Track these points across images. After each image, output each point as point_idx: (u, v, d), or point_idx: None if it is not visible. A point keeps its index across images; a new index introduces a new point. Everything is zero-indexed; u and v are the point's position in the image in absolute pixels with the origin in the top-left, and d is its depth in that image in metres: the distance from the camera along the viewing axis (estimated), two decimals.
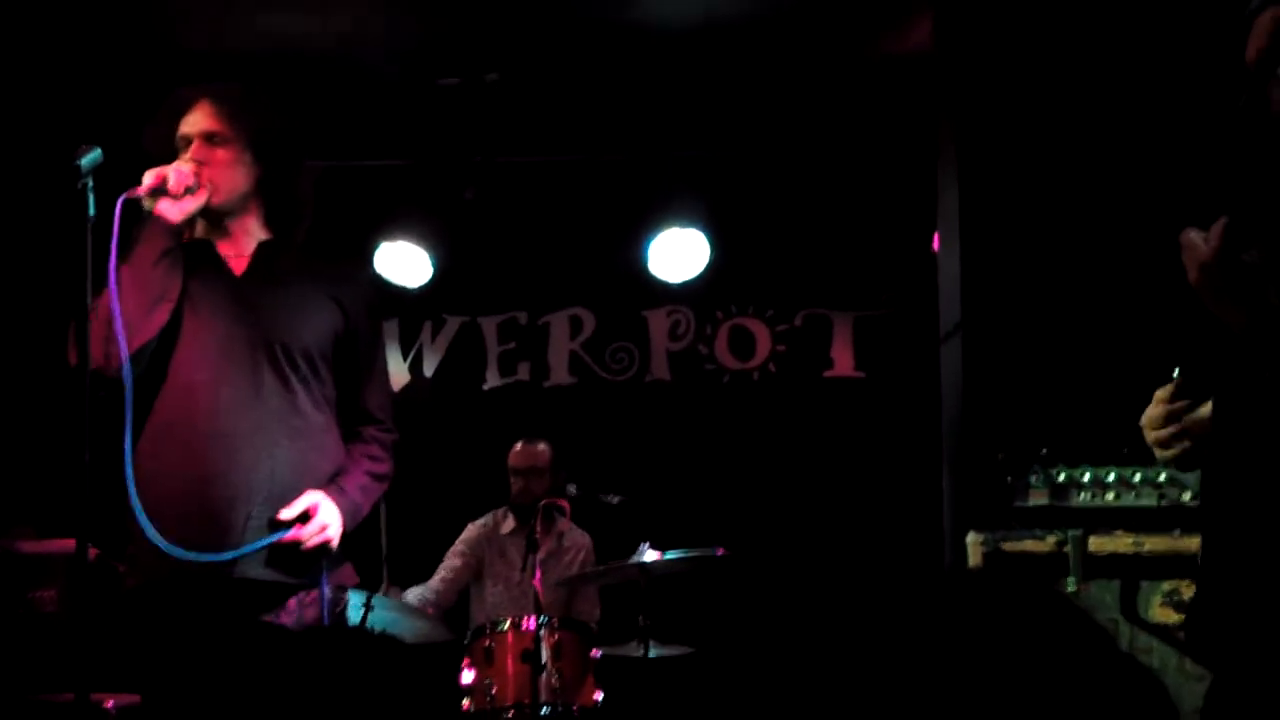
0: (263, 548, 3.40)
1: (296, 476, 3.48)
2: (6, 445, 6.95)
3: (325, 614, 3.47)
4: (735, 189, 7.34)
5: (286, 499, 3.44)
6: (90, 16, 5.94)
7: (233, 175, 3.58)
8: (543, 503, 6.34)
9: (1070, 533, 4.42)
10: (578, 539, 6.70)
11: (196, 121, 3.60)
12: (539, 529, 6.14)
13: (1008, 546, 4.53)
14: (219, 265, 3.60)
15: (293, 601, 3.46)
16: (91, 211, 3.19)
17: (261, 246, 3.66)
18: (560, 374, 7.68)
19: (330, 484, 3.53)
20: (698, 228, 7.11)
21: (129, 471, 3.25)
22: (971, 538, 4.65)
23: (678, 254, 7.16)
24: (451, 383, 7.65)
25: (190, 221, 3.56)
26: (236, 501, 3.41)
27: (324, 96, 6.44)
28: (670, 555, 5.60)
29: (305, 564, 3.46)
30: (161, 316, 3.44)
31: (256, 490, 3.43)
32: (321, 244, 3.85)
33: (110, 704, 4.10)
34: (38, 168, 4.00)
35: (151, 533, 3.25)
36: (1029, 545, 4.50)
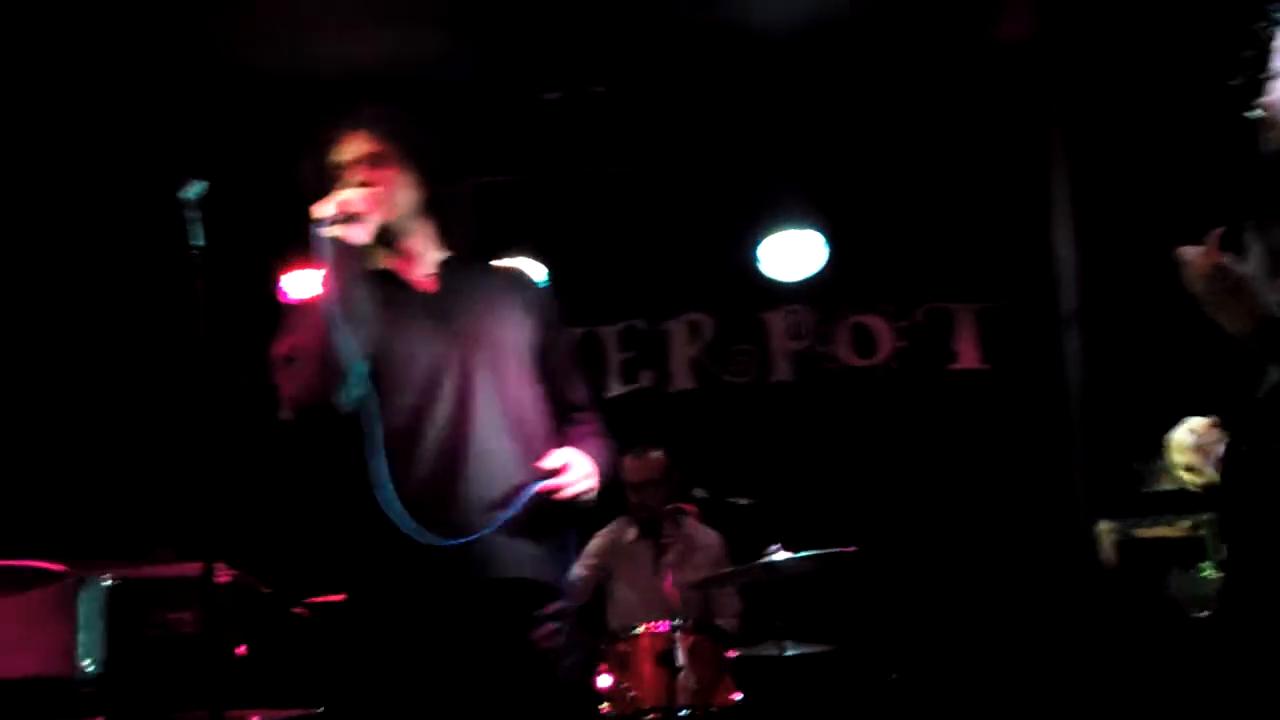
0: (519, 501, 3.41)
1: (523, 473, 3.48)
2: (148, 468, 7.15)
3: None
4: (848, 186, 7.32)
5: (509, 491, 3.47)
6: (185, 51, 6.06)
7: (399, 193, 3.64)
8: (668, 507, 6.38)
9: (1205, 516, 4.35)
10: (707, 538, 6.70)
11: (354, 147, 3.65)
12: (665, 533, 6.18)
13: (1140, 533, 4.48)
14: (408, 288, 3.66)
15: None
16: (199, 242, 3.28)
17: (443, 264, 3.71)
18: (682, 379, 7.70)
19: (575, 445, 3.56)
20: (812, 227, 7.12)
21: (384, 474, 3.34)
22: (1103, 526, 4.62)
23: (793, 254, 7.17)
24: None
25: (368, 250, 3.62)
26: (474, 501, 3.43)
27: (430, 116, 6.52)
28: (801, 555, 5.61)
29: (557, 523, 3.49)
30: (368, 336, 3.48)
31: (491, 489, 3.44)
32: None
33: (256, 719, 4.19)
34: (144, 202, 4.11)
35: (409, 523, 3.33)
36: (1162, 531, 4.45)
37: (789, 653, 5.74)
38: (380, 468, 3.35)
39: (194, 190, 3.30)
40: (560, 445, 3.59)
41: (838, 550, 5.62)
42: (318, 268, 3.42)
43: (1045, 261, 6.16)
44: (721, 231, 7.43)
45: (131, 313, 7.40)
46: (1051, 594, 6.52)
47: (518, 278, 3.81)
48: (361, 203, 3.49)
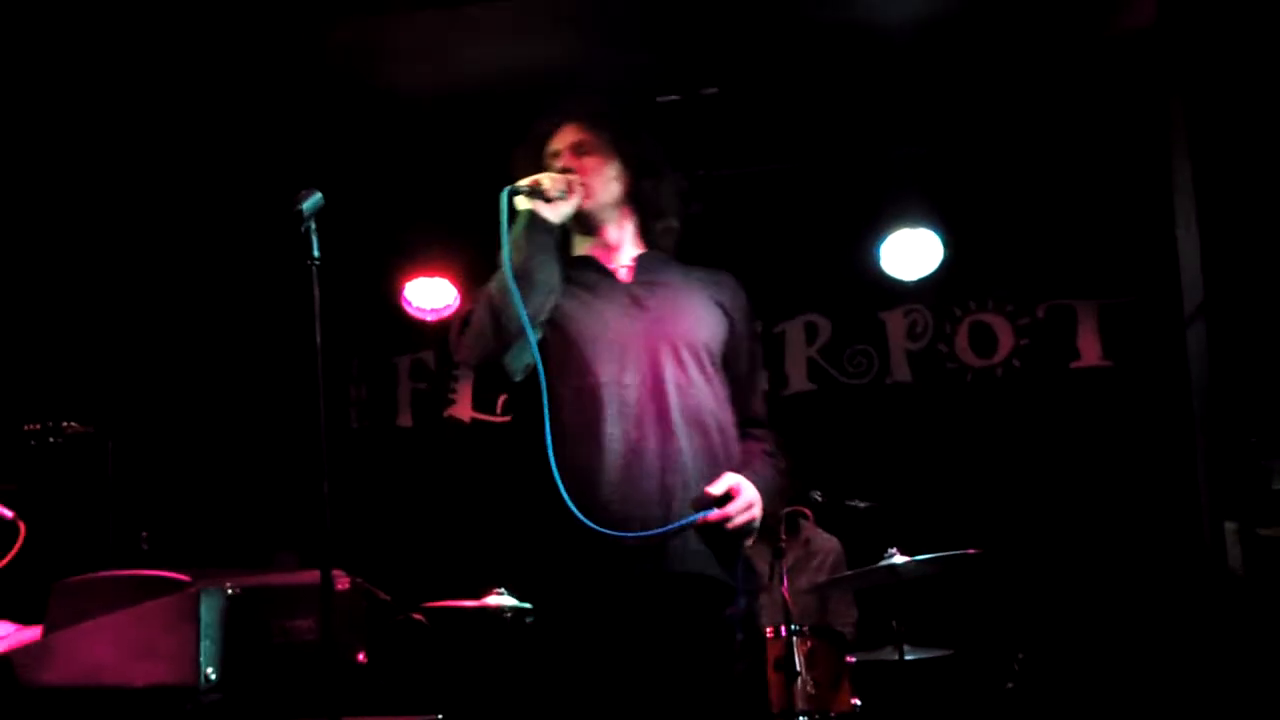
0: (689, 525, 3.43)
1: (706, 472, 3.51)
2: (269, 476, 7.28)
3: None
4: (966, 183, 7.24)
5: (699, 491, 3.49)
6: (308, 63, 6.13)
7: (602, 181, 3.72)
8: (785, 511, 6.35)
9: None
10: (825, 543, 6.67)
11: (563, 137, 3.78)
12: (783, 536, 6.15)
13: (1267, 532, 4.39)
14: (607, 274, 3.73)
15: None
16: (316, 253, 3.33)
17: (642, 256, 3.78)
18: (799, 381, 7.67)
19: (744, 469, 3.56)
20: (929, 226, 7.06)
21: (554, 467, 3.37)
22: (1229, 526, 4.52)
23: (911, 253, 7.13)
24: None
25: (568, 235, 3.75)
26: (655, 499, 3.46)
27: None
28: (920, 558, 5.56)
29: (730, 546, 3.50)
30: (547, 304, 3.57)
31: (673, 486, 3.47)
32: None
33: None
34: (263, 214, 4.18)
35: (581, 516, 3.36)
36: None
37: (908, 657, 5.70)
38: (553, 463, 3.38)
39: (311, 202, 3.35)
40: (738, 453, 3.62)
41: (958, 553, 5.56)
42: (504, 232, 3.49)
43: (1168, 256, 6.03)
44: (838, 232, 7.40)
45: (252, 323, 7.53)
46: (1175, 596, 6.40)
47: (716, 279, 3.82)
48: (560, 185, 3.60)
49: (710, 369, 3.63)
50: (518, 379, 3.53)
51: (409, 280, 7.55)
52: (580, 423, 3.54)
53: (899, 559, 5.55)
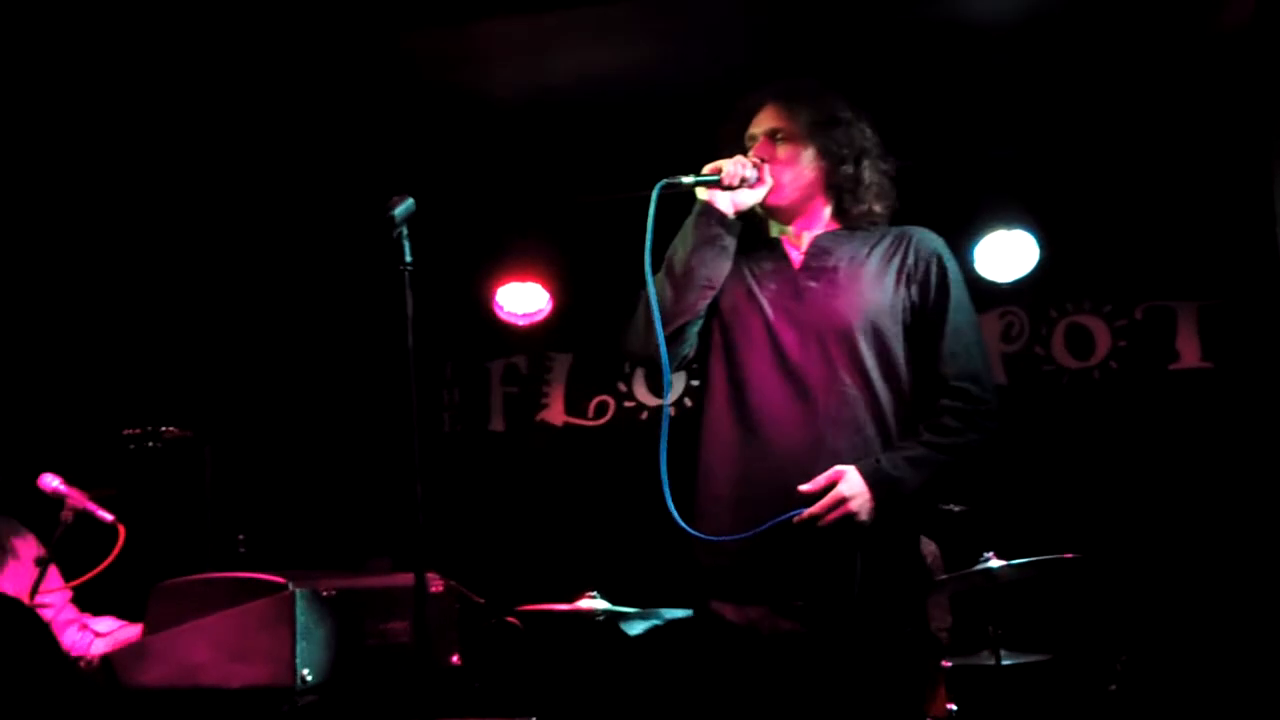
0: (777, 524, 3.37)
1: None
2: (366, 479, 7.34)
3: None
4: (1062, 183, 7.15)
5: None
6: (400, 68, 6.17)
7: (795, 171, 3.69)
8: None
9: None
10: (923, 547, 6.62)
11: (763, 120, 3.75)
12: None
13: None
14: (783, 261, 3.70)
15: None
16: (408, 258, 3.36)
17: (820, 238, 3.71)
18: None
19: (866, 459, 3.43)
20: (1024, 227, 6.99)
21: (662, 465, 3.35)
22: None
23: (1006, 255, 7.05)
24: None
25: (753, 218, 3.73)
26: (785, 492, 3.41)
27: (637, 126, 6.56)
28: (1016, 562, 5.50)
29: (834, 539, 3.40)
30: (701, 302, 3.57)
31: (808, 480, 3.40)
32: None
33: None
34: (358, 219, 4.21)
35: (677, 517, 3.37)
36: None
37: (1005, 662, 5.64)
38: (663, 463, 3.36)
39: (403, 208, 3.38)
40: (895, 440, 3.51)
41: (1055, 557, 5.50)
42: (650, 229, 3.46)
43: (1269, 256, 5.94)
44: (932, 231, 7.33)
45: (347, 329, 7.60)
46: (1276, 600, 6.30)
47: (901, 239, 3.69)
48: (738, 172, 3.58)
49: (875, 351, 3.51)
50: (667, 375, 3.47)
51: (501, 285, 7.58)
52: (726, 421, 3.55)
53: (994, 563, 5.49)
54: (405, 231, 3.38)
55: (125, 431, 4.59)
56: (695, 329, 3.59)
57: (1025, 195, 7.01)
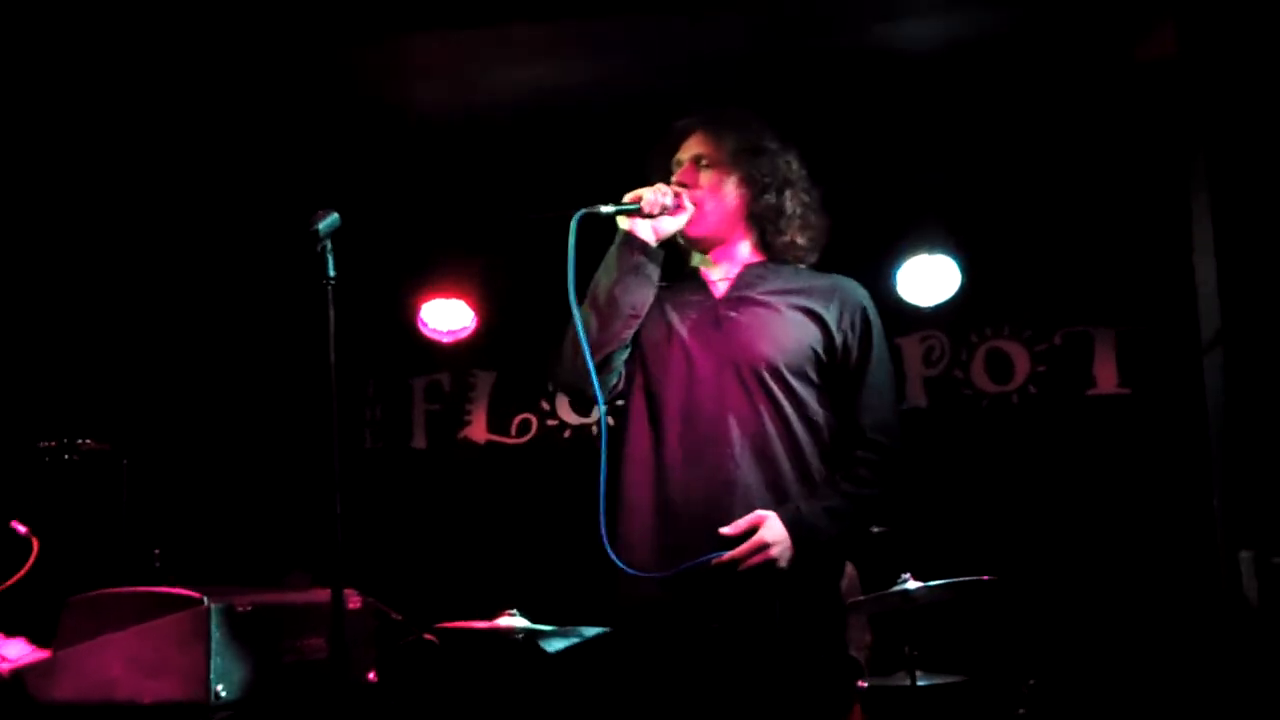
0: (699, 565, 3.36)
1: (769, 502, 3.42)
2: (286, 494, 7.29)
3: None
4: (983, 210, 7.23)
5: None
6: (327, 81, 6.15)
7: (717, 199, 3.66)
8: None
9: None
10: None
11: (689, 146, 3.73)
12: None
13: None
14: (703, 291, 3.67)
15: None
16: (331, 273, 3.34)
17: (746, 270, 3.68)
18: None
19: (786, 505, 3.43)
20: (947, 252, 7.05)
21: (601, 496, 3.35)
22: (1244, 555, 4.50)
23: (928, 279, 7.11)
24: None
25: (673, 247, 3.69)
26: (709, 527, 3.39)
27: (566, 145, 6.57)
28: (934, 583, 5.54)
29: (754, 584, 3.39)
30: (626, 331, 3.54)
31: (720, 518, 3.39)
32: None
33: None
34: (281, 232, 4.19)
35: (609, 549, 3.36)
36: None
37: (921, 683, 5.67)
38: (602, 493, 3.36)
39: (327, 223, 3.36)
40: (815, 481, 3.51)
41: (972, 579, 5.54)
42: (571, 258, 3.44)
43: (1187, 283, 6.01)
44: (855, 256, 7.33)
45: (268, 343, 7.55)
46: (1190, 624, 6.38)
47: (828, 287, 3.67)
48: (658, 200, 3.56)
49: (791, 390, 3.50)
50: (601, 404, 3.49)
51: (425, 301, 7.57)
52: (643, 450, 3.53)
53: (912, 584, 5.52)
54: (329, 246, 3.36)
55: (41, 444, 4.54)
56: (622, 358, 3.58)
57: (948, 220, 7.08)
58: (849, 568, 6.62)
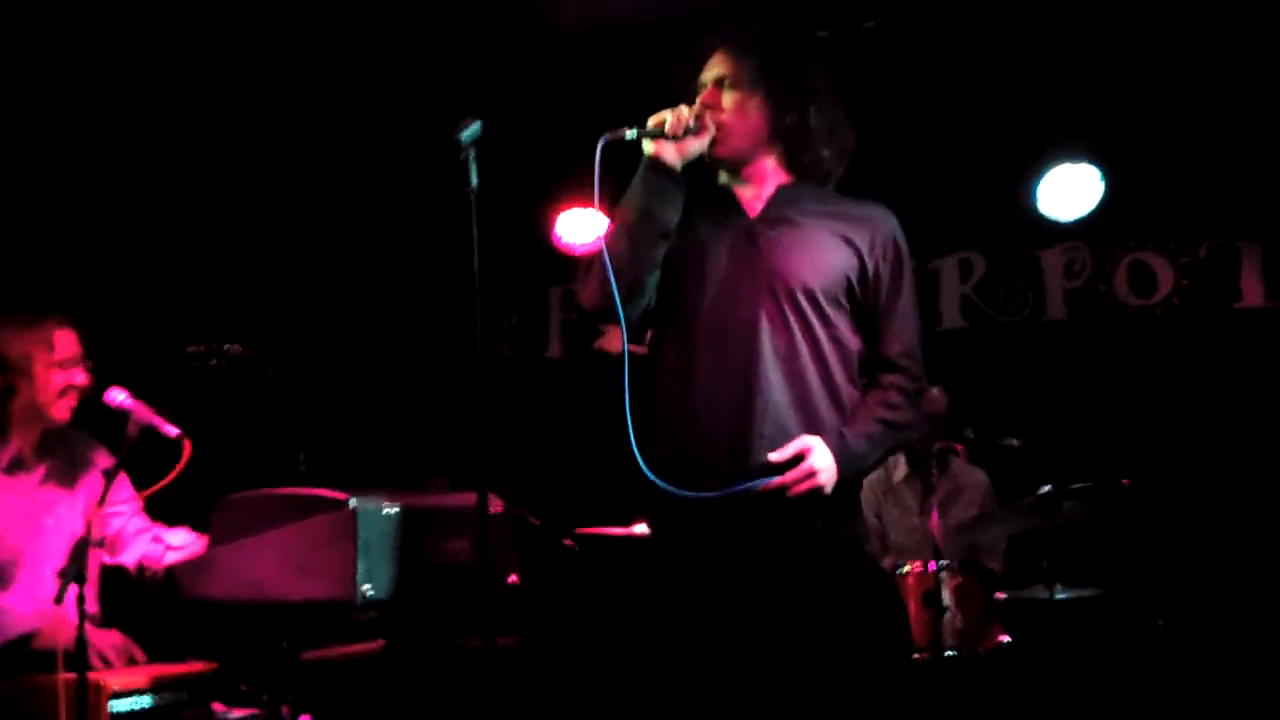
0: (747, 489, 3.39)
1: (797, 420, 3.45)
2: (425, 401, 7.39)
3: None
4: (1127, 119, 7.07)
5: (786, 443, 3.41)
6: None
7: (742, 119, 3.64)
8: (937, 446, 6.31)
9: None
10: (974, 477, 6.63)
11: (712, 66, 3.69)
12: (935, 472, 6.12)
13: None
14: (736, 209, 3.66)
15: None
16: (474, 183, 3.35)
17: (780, 189, 3.68)
18: (952, 318, 7.59)
19: (830, 430, 3.47)
20: (1089, 162, 6.92)
21: (628, 415, 3.36)
22: None
23: (1070, 190, 6.99)
24: None
25: (700, 165, 3.66)
26: (740, 446, 3.42)
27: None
28: (1073, 487, 5.50)
29: (798, 511, 3.42)
30: (655, 252, 3.53)
31: (756, 434, 3.42)
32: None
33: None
34: (424, 141, 4.22)
35: (646, 470, 3.36)
36: None
37: (1059, 596, 5.64)
38: (628, 413, 3.36)
39: (470, 131, 3.37)
40: (846, 404, 3.52)
41: (1109, 483, 5.47)
42: (597, 183, 3.47)
43: None
44: (996, 168, 7.27)
45: (411, 251, 7.63)
46: None
47: (859, 213, 3.66)
48: (681, 121, 3.53)
49: (820, 314, 3.51)
50: (633, 324, 3.51)
51: (561, 212, 7.59)
52: (677, 365, 3.53)
53: (1050, 496, 5.49)
54: (472, 155, 3.37)
55: (190, 349, 4.63)
56: (652, 279, 3.55)
57: (1091, 130, 6.94)
58: (983, 475, 6.60)
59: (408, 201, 7.44)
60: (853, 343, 3.57)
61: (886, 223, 3.67)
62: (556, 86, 7.06)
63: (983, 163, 7.29)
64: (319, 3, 6.13)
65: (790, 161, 3.70)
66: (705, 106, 3.62)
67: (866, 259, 3.58)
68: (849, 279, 3.56)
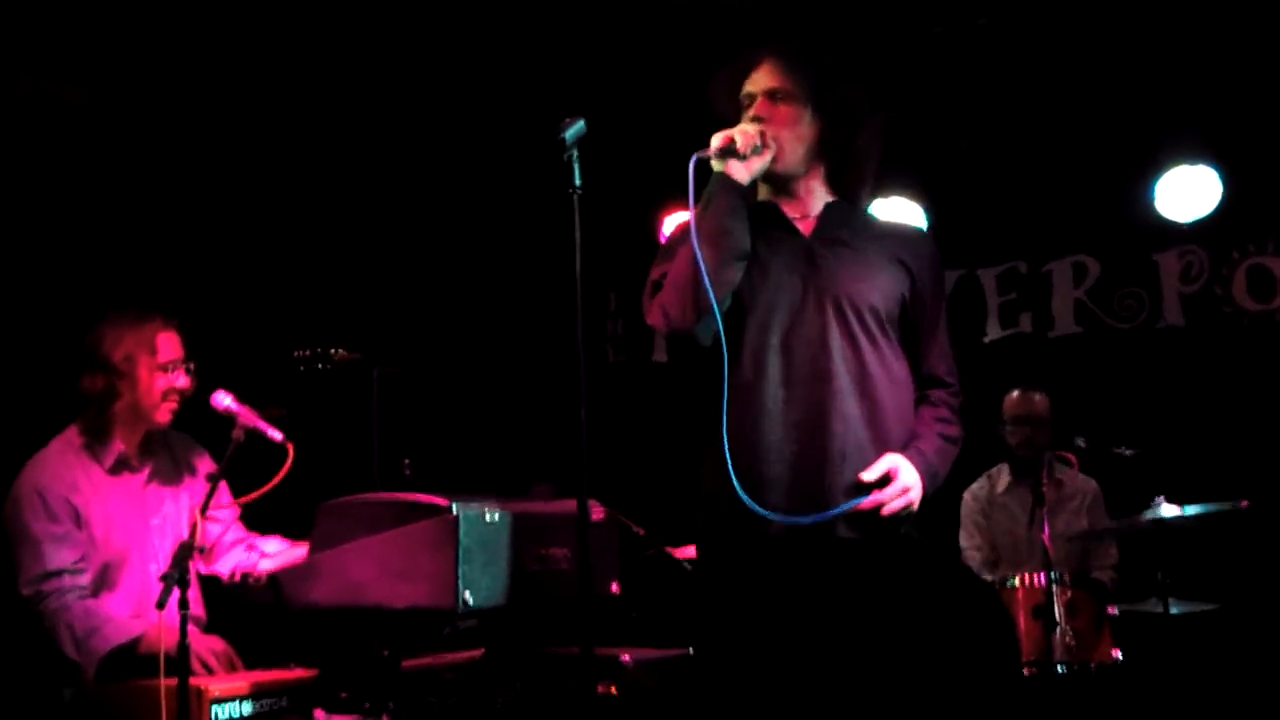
0: (848, 509, 3.41)
1: (870, 437, 3.48)
2: (532, 405, 7.39)
3: None
4: (1246, 119, 6.91)
5: (862, 459, 3.44)
6: None
7: (794, 133, 3.64)
8: (1047, 455, 6.20)
9: None
10: (1082, 484, 6.54)
11: (760, 79, 3.68)
12: (1045, 480, 6.01)
13: None
14: (787, 227, 3.66)
15: None
16: (577, 182, 3.33)
17: (828, 207, 3.70)
18: (1065, 323, 7.47)
19: (908, 447, 3.51)
20: (1208, 164, 6.78)
21: (725, 434, 3.35)
22: None
23: (1188, 192, 6.85)
24: (952, 337, 7.56)
25: (754, 184, 3.65)
26: (817, 464, 3.44)
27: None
28: (1189, 510, 5.38)
29: (887, 525, 3.45)
30: (735, 273, 3.52)
31: (834, 452, 3.44)
32: None
33: (626, 658, 4.27)
34: (528, 141, 4.20)
35: (744, 496, 3.34)
36: None
37: (1174, 610, 5.52)
38: (725, 430, 3.36)
39: (573, 130, 3.35)
40: (908, 419, 3.56)
41: (1229, 505, 5.35)
42: (692, 200, 3.46)
43: None
44: (1111, 169, 7.15)
45: (514, 254, 7.63)
46: None
47: (904, 234, 3.76)
48: (750, 140, 3.52)
49: (883, 332, 3.56)
50: (706, 345, 3.48)
51: (668, 214, 7.55)
52: (749, 387, 3.51)
53: (1166, 510, 5.37)
54: (575, 154, 3.35)
55: (295, 353, 4.65)
56: (728, 302, 3.52)
57: (1209, 130, 6.79)
58: (1093, 483, 6.48)
59: (513, 203, 7.43)
60: (903, 359, 3.63)
61: (929, 245, 3.76)
62: (665, 84, 7.01)
63: (1098, 164, 7.18)
64: (423, 3, 6.13)
65: (832, 180, 3.72)
66: (762, 120, 3.61)
67: (916, 280, 3.65)
68: (903, 298, 3.63)
